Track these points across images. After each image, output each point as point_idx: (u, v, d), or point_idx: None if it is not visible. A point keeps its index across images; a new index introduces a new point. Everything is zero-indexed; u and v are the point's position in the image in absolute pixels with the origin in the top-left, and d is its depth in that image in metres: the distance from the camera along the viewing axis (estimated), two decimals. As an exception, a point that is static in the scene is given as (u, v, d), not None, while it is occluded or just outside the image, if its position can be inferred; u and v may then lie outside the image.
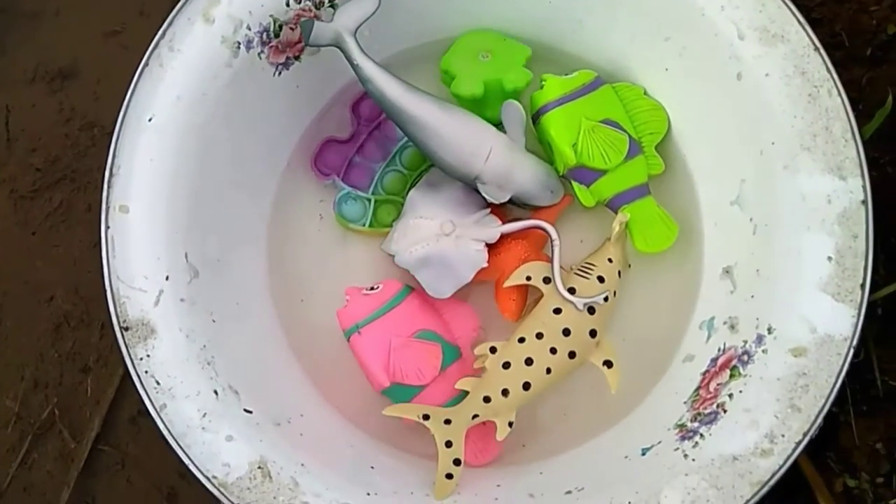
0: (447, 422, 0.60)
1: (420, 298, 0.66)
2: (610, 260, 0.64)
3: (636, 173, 0.67)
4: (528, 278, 0.63)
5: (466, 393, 0.62)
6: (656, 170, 0.68)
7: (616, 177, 0.67)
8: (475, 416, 0.61)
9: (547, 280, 0.63)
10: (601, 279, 0.63)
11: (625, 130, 0.67)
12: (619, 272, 0.64)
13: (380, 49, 0.67)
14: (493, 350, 0.62)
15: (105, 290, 0.54)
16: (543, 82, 0.67)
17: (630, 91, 0.68)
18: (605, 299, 0.62)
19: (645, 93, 0.69)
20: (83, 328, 0.73)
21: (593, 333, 0.62)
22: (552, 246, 0.63)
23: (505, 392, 0.61)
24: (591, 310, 0.62)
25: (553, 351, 0.61)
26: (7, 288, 0.75)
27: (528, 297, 0.66)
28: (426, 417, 0.60)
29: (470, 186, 0.66)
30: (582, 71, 0.68)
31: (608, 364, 0.62)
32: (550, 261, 0.63)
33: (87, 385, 0.72)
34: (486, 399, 0.61)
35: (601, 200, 0.67)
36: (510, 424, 0.61)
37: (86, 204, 0.76)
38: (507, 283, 0.63)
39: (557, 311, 0.61)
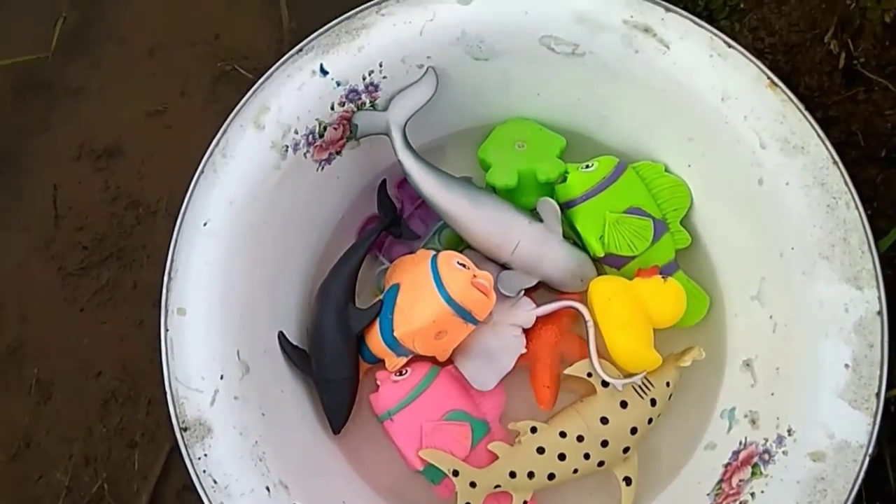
0: (472, 484, 0.64)
1: (447, 377, 0.69)
2: (668, 384, 0.66)
3: (664, 252, 0.70)
4: (589, 374, 0.66)
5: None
6: (683, 244, 0.71)
7: (646, 259, 0.70)
8: (497, 486, 0.65)
9: (605, 384, 0.65)
10: (653, 402, 0.65)
11: (649, 215, 0.69)
12: (670, 395, 0.67)
13: (423, 134, 0.71)
14: (533, 430, 0.65)
15: (164, 392, 0.58)
16: (566, 176, 0.70)
17: (651, 169, 0.71)
18: (650, 421, 0.65)
19: (666, 169, 0.71)
20: (130, 404, 0.76)
21: (626, 450, 0.65)
22: (586, 326, 0.67)
23: (531, 475, 0.65)
24: (634, 430, 0.65)
25: (587, 456, 0.64)
26: (56, 364, 0.78)
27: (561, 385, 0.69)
28: (455, 473, 0.64)
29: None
30: (603, 159, 0.71)
31: (627, 481, 0.65)
32: (587, 341, 0.66)
33: (134, 459, 0.75)
34: (512, 474, 0.65)
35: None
36: (525, 503, 0.65)
37: (132, 281, 0.80)
38: (569, 372, 0.66)
39: (604, 420, 0.65)
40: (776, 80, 0.62)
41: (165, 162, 0.82)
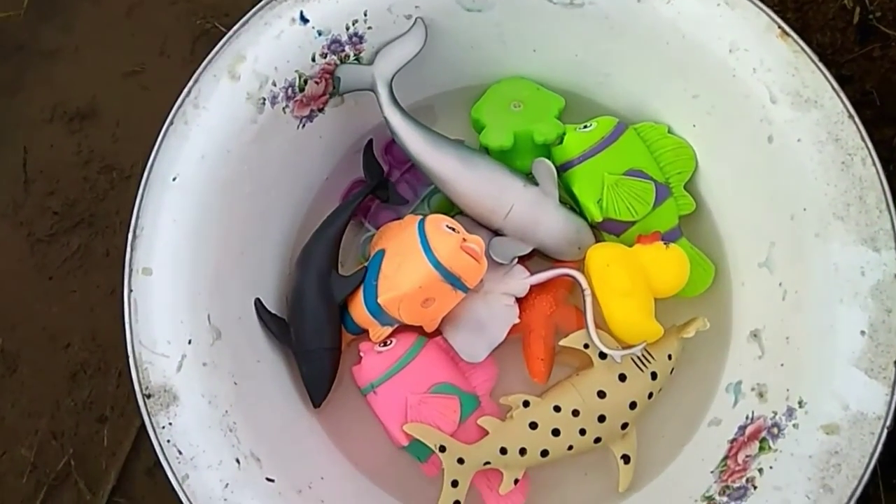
0: (460, 461, 0.61)
1: (435, 349, 0.65)
2: (669, 357, 0.63)
3: (666, 218, 0.67)
4: (586, 346, 0.62)
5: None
6: (687, 209, 0.67)
7: (647, 224, 0.66)
8: (487, 463, 0.61)
9: (603, 355, 0.62)
10: (654, 376, 0.62)
11: (650, 177, 0.66)
12: (672, 369, 0.63)
13: (412, 92, 0.68)
14: (525, 404, 0.62)
15: (127, 356, 0.54)
16: (563, 137, 0.67)
17: (653, 130, 0.67)
18: (650, 396, 0.62)
19: (669, 130, 0.68)
20: (99, 376, 0.73)
21: (625, 426, 0.62)
22: (583, 295, 0.63)
23: (522, 451, 0.61)
24: (633, 404, 0.61)
25: (582, 432, 0.61)
26: (23, 334, 0.75)
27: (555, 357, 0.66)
28: (442, 449, 0.60)
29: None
30: (601, 119, 0.67)
31: (626, 459, 0.62)
32: (583, 311, 0.63)
33: (103, 435, 0.72)
34: (503, 450, 0.61)
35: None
36: (516, 481, 0.62)
37: (104, 249, 0.76)
38: (564, 343, 0.63)
39: (602, 394, 0.61)
40: (788, 29, 0.59)
41: (142, 124, 0.78)
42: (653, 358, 0.62)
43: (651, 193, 0.65)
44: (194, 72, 0.60)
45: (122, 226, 0.76)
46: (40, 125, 0.80)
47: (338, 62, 0.64)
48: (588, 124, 0.67)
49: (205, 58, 0.73)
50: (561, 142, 0.66)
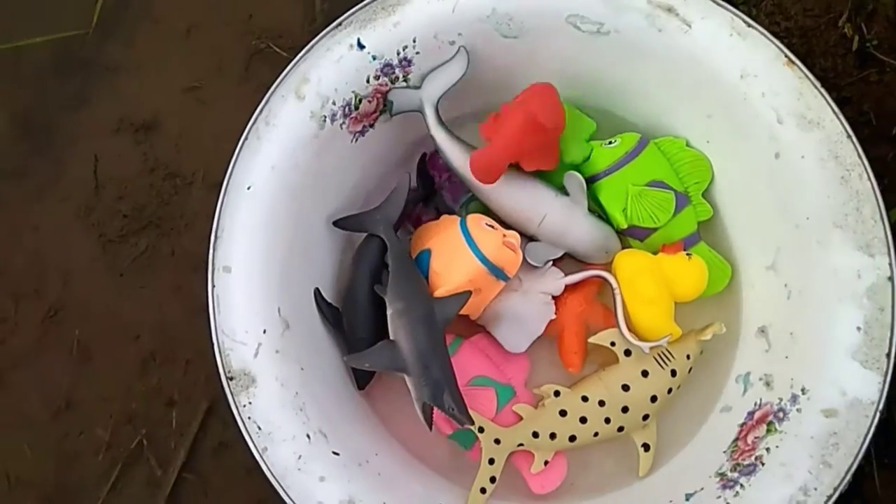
0: (497, 441, 0.67)
1: (470, 347, 0.72)
2: (688, 357, 0.69)
3: (686, 224, 0.73)
4: (613, 344, 0.69)
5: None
6: (704, 215, 0.73)
7: (668, 230, 0.72)
8: (520, 445, 0.68)
9: (628, 353, 0.68)
10: (673, 373, 0.68)
11: (671, 187, 0.72)
12: (690, 368, 0.70)
13: (453, 109, 0.74)
14: (556, 394, 0.68)
15: (212, 344, 0.61)
16: (591, 152, 0.73)
17: (673, 144, 0.73)
18: (669, 391, 0.68)
19: (687, 144, 0.73)
20: (168, 365, 0.79)
21: (646, 417, 0.68)
22: (613, 294, 0.70)
23: (552, 435, 0.68)
24: (654, 398, 0.68)
25: (607, 421, 0.68)
26: (97, 326, 0.81)
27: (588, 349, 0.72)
28: (481, 430, 0.67)
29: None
30: (625, 135, 0.74)
31: (646, 447, 0.69)
32: (614, 308, 0.69)
33: (172, 418, 0.78)
34: (535, 434, 0.68)
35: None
36: (545, 462, 0.68)
37: (170, 248, 0.83)
38: (593, 341, 0.69)
39: (626, 387, 0.68)
40: (794, 58, 0.65)
41: (201, 136, 0.85)
42: (673, 357, 0.69)
43: (671, 202, 0.72)
44: (250, 90, 0.67)
45: (186, 228, 0.83)
46: (108, 136, 0.86)
47: (389, 83, 0.71)
48: (613, 140, 0.73)
49: (259, 76, 0.80)
50: (588, 157, 0.73)
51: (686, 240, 0.73)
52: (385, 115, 0.73)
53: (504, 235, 0.68)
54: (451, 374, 0.64)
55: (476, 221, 0.69)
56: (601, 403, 0.68)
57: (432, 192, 0.77)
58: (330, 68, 0.68)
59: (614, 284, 0.70)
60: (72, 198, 0.85)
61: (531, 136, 0.68)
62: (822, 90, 0.64)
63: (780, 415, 0.62)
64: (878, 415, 0.59)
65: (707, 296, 0.73)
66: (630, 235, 0.74)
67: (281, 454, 0.59)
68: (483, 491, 0.67)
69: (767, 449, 0.61)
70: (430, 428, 0.63)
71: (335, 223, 0.72)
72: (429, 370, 0.63)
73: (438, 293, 0.67)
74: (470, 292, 0.67)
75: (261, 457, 0.59)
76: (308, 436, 0.61)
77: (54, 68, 0.89)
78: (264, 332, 0.63)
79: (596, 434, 0.68)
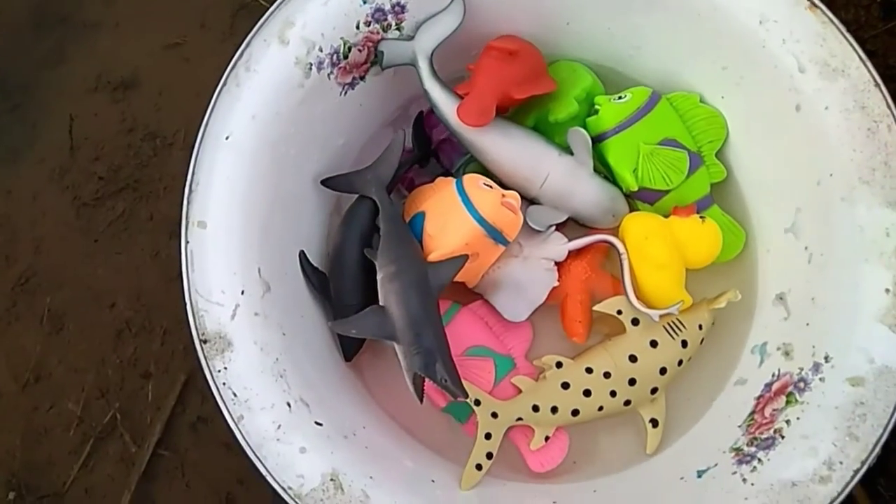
0: (494, 415, 0.63)
1: (469, 313, 0.68)
2: (700, 327, 0.65)
3: (699, 186, 0.69)
4: (619, 312, 0.64)
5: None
6: (718, 177, 0.69)
7: (680, 193, 0.68)
8: (519, 419, 0.63)
9: (635, 322, 0.64)
10: (684, 344, 0.64)
11: (684, 146, 0.68)
12: (702, 339, 0.65)
13: (450, 64, 0.69)
14: (558, 365, 0.64)
15: (184, 304, 0.56)
16: (598, 108, 0.69)
17: (686, 100, 0.69)
18: (680, 363, 0.64)
19: (701, 100, 0.69)
20: (144, 334, 0.75)
21: (654, 391, 0.64)
22: (620, 260, 0.65)
23: (554, 409, 0.64)
24: (663, 370, 0.63)
25: (613, 394, 0.63)
26: (70, 294, 0.77)
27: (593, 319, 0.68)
28: (477, 403, 0.63)
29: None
30: (636, 90, 0.69)
31: (654, 423, 0.64)
32: (621, 275, 0.65)
33: (147, 391, 0.74)
34: (535, 408, 0.63)
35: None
36: (546, 438, 0.64)
37: (147, 213, 0.79)
38: (599, 309, 0.65)
39: (633, 358, 0.63)
40: (817, 1, 0.61)
41: (182, 94, 0.81)
42: (684, 326, 0.64)
43: (685, 162, 0.67)
44: (235, 45, 0.62)
45: (166, 191, 0.79)
46: (85, 94, 0.83)
47: (381, 30, 0.66)
48: (623, 95, 0.69)
49: (244, 31, 0.75)
50: (596, 112, 0.68)
51: (699, 203, 0.69)
52: (376, 68, 0.69)
53: (503, 196, 0.63)
54: (444, 343, 0.59)
55: (473, 181, 0.65)
56: (606, 375, 0.63)
57: (428, 152, 0.72)
58: (317, 11, 0.63)
59: (621, 249, 0.65)
60: (46, 159, 0.81)
61: (503, 64, 0.66)
62: (848, 35, 0.60)
63: (801, 385, 0.58)
64: (909, 383, 0.54)
65: (721, 262, 0.69)
66: (639, 198, 0.69)
67: (258, 423, 0.55)
68: (479, 468, 0.63)
69: (787, 421, 0.57)
70: (421, 400, 0.59)
71: (323, 182, 0.68)
72: (420, 338, 0.58)
73: (433, 257, 0.63)
74: (466, 256, 0.62)
75: (236, 426, 0.54)
76: (288, 404, 0.56)
77: (31, 24, 0.86)
78: (242, 292, 0.58)
79: (601, 408, 0.64)
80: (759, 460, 0.56)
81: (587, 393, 0.63)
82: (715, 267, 0.68)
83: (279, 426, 0.55)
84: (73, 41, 0.85)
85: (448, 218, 0.63)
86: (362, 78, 0.68)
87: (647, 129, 0.68)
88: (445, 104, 0.67)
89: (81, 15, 0.85)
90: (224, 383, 0.55)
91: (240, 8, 0.83)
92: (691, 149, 0.68)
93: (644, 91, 0.69)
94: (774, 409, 0.59)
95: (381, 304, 0.61)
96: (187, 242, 0.58)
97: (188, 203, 0.59)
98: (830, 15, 0.61)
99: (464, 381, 0.62)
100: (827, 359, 0.57)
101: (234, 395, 0.55)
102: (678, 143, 0.68)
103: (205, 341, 0.56)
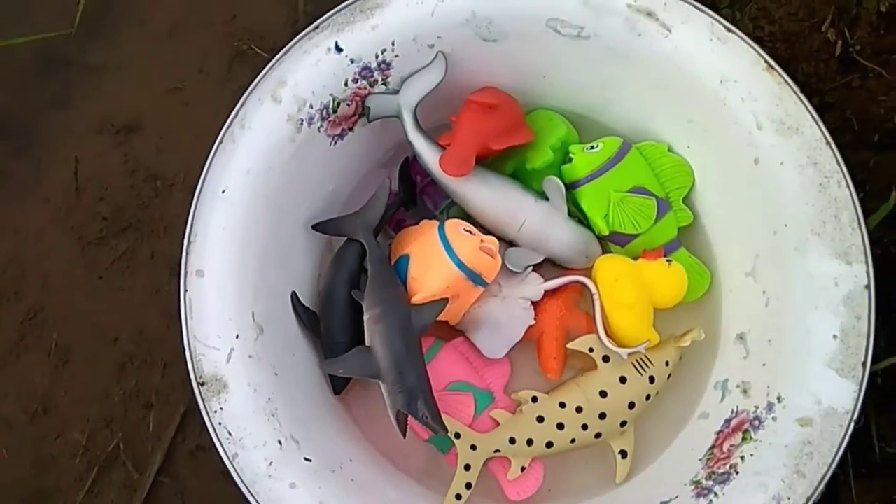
0: (473, 447, 0.67)
1: (451, 350, 0.71)
2: (667, 363, 0.69)
3: (667, 230, 0.73)
4: (591, 350, 0.68)
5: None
6: (685, 221, 0.73)
7: (649, 236, 0.72)
8: (497, 451, 0.67)
9: (606, 359, 0.68)
10: (651, 380, 0.68)
11: (652, 193, 0.72)
12: (669, 375, 0.69)
13: (432, 114, 0.73)
14: (534, 399, 0.68)
15: (183, 349, 0.60)
16: (572, 157, 0.73)
17: (654, 149, 0.73)
18: (647, 398, 0.68)
19: (669, 149, 0.73)
20: (146, 368, 0.79)
21: (623, 424, 0.68)
22: (592, 300, 0.70)
23: (529, 441, 0.68)
24: (632, 405, 0.67)
25: (584, 427, 0.67)
26: (75, 328, 0.81)
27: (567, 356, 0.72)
28: (457, 436, 0.67)
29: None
30: (608, 139, 0.73)
31: (623, 454, 0.68)
32: (592, 313, 0.69)
33: (149, 421, 0.78)
34: (512, 440, 0.67)
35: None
36: (522, 469, 0.68)
37: (149, 251, 0.82)
38: (572, 346, 0.69)
39: (603, 394, 0.67)
40: (773, 63, 0.65)
41: (183, 137, 0.85)
42: (652, 363, 0.68)
43: (653, 209, 0.71)
44: (232, 91, 0.67)
45: (166, 231, 0.82)
46: (89, 137, 0.86)
47: (367, 87, 0.70)
48: (595, 145, 0.73)
49: (241, 77, 0.80)
50: (570, 161, 0.72)
51: (667, 246, 0.73)
52: (364, 119, 0.73)
53: (482, 241, 0.67)
54: (426, 382, 0.63)
55: (454, 227, 0.69)
56: (578, 410, 0.67)
57: (414, 196, 0.76)
58: (307, 71, 0.67)
59: (593, 290, 0.70)
60: (52, 199, 0.85)
61: (482, 117, 0.70)
62: (802, 96, 0.64)
63: (756, 423, 0.62)
64: (852, 424, 0.58)
65: (687, 301, 0.72)
66: (611, 241, 0.73)
67: (251, 460, 0.59)
68: (458, 497, 0.67)
69: (742, 457, 0.61)
70: (404, 436, 0.63)
71: (314, 227, 0.72)
72: (403, 377, 0.62)
73: (416, 299, 0.67)
74: (447, 300, 0.66)
75: (231, 463, 0.58)
76: (280, 442, 0.60)
77: (36, 69, 0.89)
78: (237, 336, 0.62)
79: (573, 440, 0.68)
80: (716, 494, 0.60)
81: (560, 426, 0.67)
82: (681, 306, 0.72)
83: (271, 463, 0.59)
84: (77, 84, 0.88)
85: (430, 262, 0.68)
86: (351, 129, 0.72)
87: (617, 178, 0.72)
88: (428, 154, 0.71)
89: (85, 59, 0.89)
90: (220, 423, 0.59)
91: (237, 55, 0.87)
92: (659, 195, 0.72)
93: (615, 141, 0.73)
94: (731, 445, 0.63)
95: (367, 344, 0.65)
96: (186, 291, 0.62)
97: (187, 254, 0.63)
98: (785, 77, 0.65)
99: (445, 415, 0.66)
100: (779, 399, 0.61)
101: (230, 434, 0.59)
102: (646, 191, 0.72)
103: (202, 384, 0.60)
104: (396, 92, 0.71)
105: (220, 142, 0.65)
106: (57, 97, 0.88)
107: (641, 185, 0.72)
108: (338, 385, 0.70)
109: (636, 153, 0.73)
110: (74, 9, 0.89)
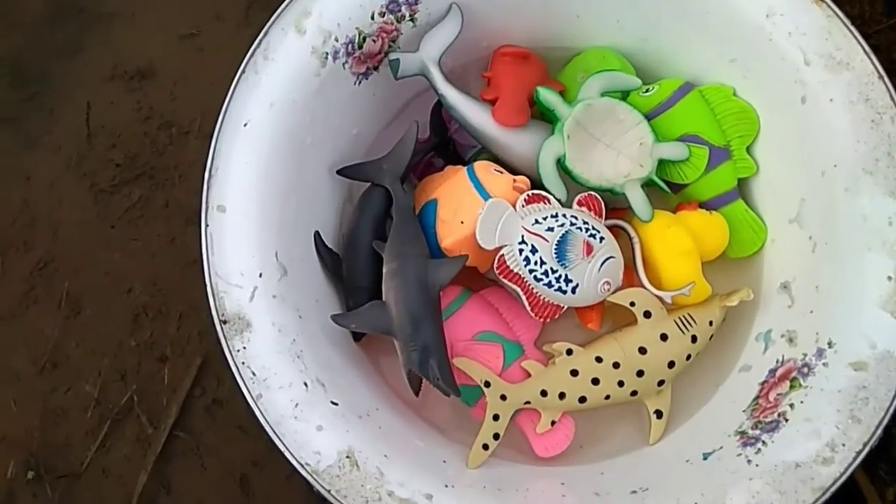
0: (503, 397, 0.64)
1: (479, 300, 0.69)
2: (710, 323, 0.66)
3: (723, 181, 0.69)
4: (632, 304, 0.65)
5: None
6: (747, 172, 0.69)
7: (701, 186, 0.69)
8: (527, 403, 0.65)
9: (647, 314, 0.65)
10: (694, 339, 0.65)
11: (706, 142, 0.68)
12: (712, 335, 0.66)
13: (466, 52, 0.72)
14: (569, 352, 0.65)
15: (204, 286, 0.58)
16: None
17: (719, 93, 0.69)
18: (688, 357, 0.65)
19: (734, 93, 0.69)
20: (161, 319, 0.77)
21: (661, 383, 0.65)
22: (632, 244, 0.67)
23: (562, 395, 0.65)
24: (671, 363, 0.65)
25: (620, 384, 0.65)
26: (87, 279, 0.78)
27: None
28: (487, 385, 0.64)
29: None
30: (665, 82, 0.70)
31: (658, 414, 0.66)
32: (633, 259, 0.67)
33: (164, 374, 0.75)
34: (543, 392, 0.65)
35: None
36: (552, 423, 0.65)
37: (164, 200, 0.80)
38: (612, 300, 0.65)
39: (643, 350, 0.64)
40: (823, -5, 0.62)
41: (198, 84, 0.82)
42: (695, 322, 0.66)
43: (703, 159, 0.68)
44: (250, 36, 0.63)
45: (181, 179, 0.80)
46: (101, 84, 0.84)
47: (395, 21, 0.68)
48: (650, 88, 0.70)
49: (259, 23, 0.76)
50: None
51: (723, 196, 0.69)
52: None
53: (514, 180, 0.65)
54: (440, 342, 0.61)
55: (485, 168, 0.67)
56: (616, 366, 0.64)
57: (446, 139, 0.74)
58: (333, 2, 0.65)
59: (632, 232, 0.67)
60: (64, 147, 0.83)
61: (519, 67, 0.70)
62: (853, 29, 0.61)
63: (805, 370, 0.59)
64: (910, 368, 0.56)
65: (745, 256, 0.70)
66: (667, 186, 0.70)
67: (277, 401, 0.56)
68: (486, 447, 0.64)
69: (791, 405, 0.58)
70: (417, 395, 0.62)
71: (339, 171, 0.69)
72: (416, 336, 0.60)
73: (447, 242, 0.64)
74: (466, 256, 0.64)
75: (255, 404, 0.56)
76: (305, 384, 0.58)
77: (48, 15, 0.87)
78: (260, 275, 0.60)
79: (607, 397, 0.65)
80: (764, 442, 0.58)
81: (595, 381, 0.65)
82: (724, 258, 0.69)
83: (297, 404, 0.57)
84: (89, 31, 0.86)
85: (461, 203, 0.65)
86: (376, 68, 0.70)
87: (667, 124, 0.69)
88: (463, 105, 0.69)
89: (98, 6, 0.86)
90: (243, 362, 0.57)
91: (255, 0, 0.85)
92: (717, 143, 0.68)
93: (673, 83, 0.70)
94: (778, 394, 0.60)
95: (384, 298, 0.63)
96: (207, 226, 0.59)
97: (208, 188, 0.60)
98: (835, 9, 0.62)
99: (475, 363, 0.64)
100: (830, 344, 0.59)
101: (253, 374, 0.56)
102: (699, 139, 0.69)
103: (224, 322, 0.57)
104: (415, 51, 0.69)
105: (242, 73, 0.63)
106: (69, 44, 0.86)
107: (695, 132, 0.69)
108: (357, 334, 0.67)
109: (696, 97, 0.69)
110: (87, -46, 0.87)
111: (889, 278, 0.58)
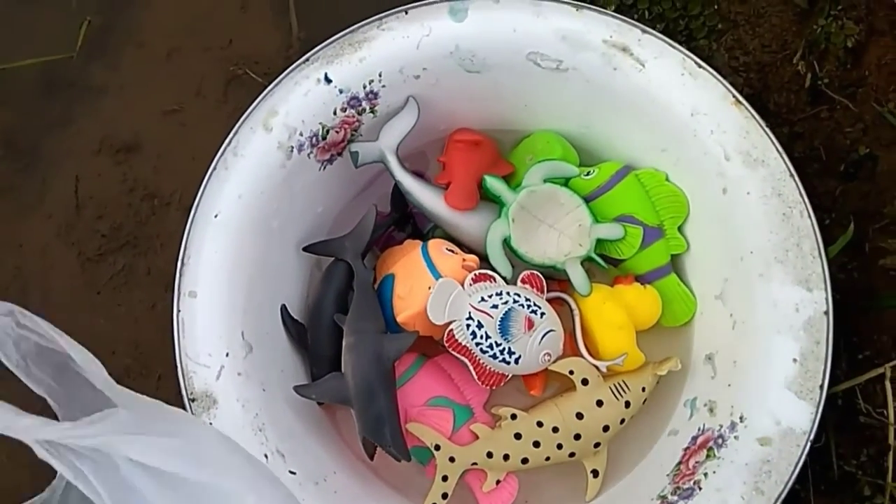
0: (451, 459, 0.70)
1: (433, 367, 0.74)
2: (643, 389, 0.71)
3: (656, 257, 0.75)
4: (571, 372, 0.71)
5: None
6: (678, 249, 0.75)
7: (637, 261, 0.75)
8: (474, 464, 0.70)
9: (585, 382, 0.71)
10: (627, 405, 0.71)
11: (640, 222, 0.74)
12: (644, 400, 0.72)
13: (422, 136, 0.77)
14: (513, 417, 0.71)
15: (176, 367, 0.64)
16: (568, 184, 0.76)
17: (653, 178, 0.75)
18: (622, 422, 0.71)
19: (667, 178, 0.75)
20: (142, 379, 0.82)
21: (597, 445, 0.71)
22: (573, 316, 0.73)
23: (506, 457, 0.71)
24: (606, 427, 0.70)
25: (559, 447, 0.70)
26: (76, 342, 0.84)
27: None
28: (437, 448, 0.70)
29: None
30: (605, 165, 0.76)
31: (595, 473, 0.71)
32: (573, 330, 0.72)
33: (144, 432, 0.81)
34: (489, 454, 0.70)
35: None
36: (497, 482, 0.71)
37: (146, 267, 0.86)
38: (553, 368, 0.71)
39: (580, 415, 0.70)
40: (741, 98, 0.68)
41: (180, 158, 0.88)
42: (629, 389, 0.71)
43: (638, 238, 0.74)
44: (228, 113, 0.70)
45: (163, 248, 0.86)
46: (89, 156, 0.89)
47: (356, 114, 0.74)
48: (590, 171, 0.76)
49: (236, 100, 0.83)
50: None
51: (656, 272, 0.75)
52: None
53: (464, 259, 0.71)
54: (393, 411, 0.67)
55: (437, 246, 0.72)
56: (555, 430, 0.70)
57: (406, 215, 0.80)
58: (298, 101, 0.71)
59: (573, 304, 0.73)
60: (54, 216, 0.88)
61: (471, 154, 0.76)
62: (767, 129, 0.67)
63: (720, 441, 0.65)
64: (809, 444, 0.62)
65: (673, 326, 0.75)
66: (605, 261, 0.76)
67: (239, 473, 0.62)
68: (434, 507, 0.70)
69: (705, 474, 0.64)
70: (372, 459, 0.67)
71: (305, 248, 0.75)
72: (370, 406, 0.66)
73: (402, 318, 0.70)
74: (417, 333, 0.70)
75: (219, 475, 0.61)
76: (266, 455, 0.64)
77: (40, 90, 0.92)
78: (227, 355, 0.66)
79: (548, 458, 0.70)
80: (680, 509, 0.64)
81: (536, 444, 0.70)
82: (659, 328, 0.75)
83: (257, 476, 0.63)
84: (79, 105, 0.91)
85: (415, 281, 0.71)
86: (339, 154, 0.76)
87: (606, 205, 0.75)
88: (417, 190, 0.75)
89: (86, 81, 0.92)
90: (209, 437, 0.63)
91: (232, 78, 0.90)
92: (651, 223, 0.74)
93: (611, 167, 0.76)
94: (696, 461, 0.66)
95: (342, 370, 0.69)
96: (179, 311, 0.65)
97: (180, 275, 0.66)
98: (752, 111, 0.68)
99: (426, 427, 0.69)
100: (742, 419, 0.65)
101: (218, 447, 0.62)
102: (634, 219, 0.74)
103: (193, 400, 0.63)
104: (375, 140, 0.74)
105: (214, 168, 0.69)
106: (59, 117, 0.91)
107: (630, 213, 0.74)
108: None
109: (633, 181, 0.75)
110: (77, 32, 0.93)
111: (794, 360, 0.64)
